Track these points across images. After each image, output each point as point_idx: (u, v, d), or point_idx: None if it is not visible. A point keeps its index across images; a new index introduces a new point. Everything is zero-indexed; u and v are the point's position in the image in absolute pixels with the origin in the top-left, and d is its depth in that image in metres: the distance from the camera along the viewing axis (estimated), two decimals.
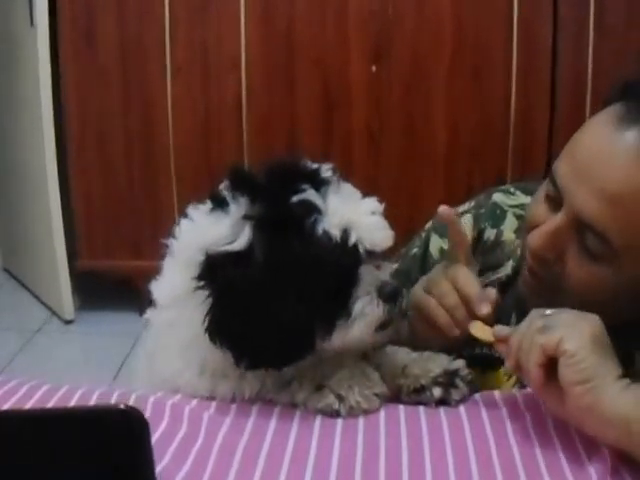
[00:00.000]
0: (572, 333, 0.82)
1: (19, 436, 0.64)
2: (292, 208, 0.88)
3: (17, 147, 3.08)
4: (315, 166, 0.93)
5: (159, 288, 0.96)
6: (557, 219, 0.95)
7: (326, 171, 0.93)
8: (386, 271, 0.94)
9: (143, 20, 2.72)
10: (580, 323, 0.83)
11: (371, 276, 0.91)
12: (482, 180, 2.72)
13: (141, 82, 2.78)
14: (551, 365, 0.82)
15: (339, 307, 0.89)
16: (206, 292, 0.87)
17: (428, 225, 1.25)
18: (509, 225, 1.18)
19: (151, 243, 2.81)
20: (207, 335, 0.88)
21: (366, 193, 0.94)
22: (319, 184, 0.90)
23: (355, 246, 0.89)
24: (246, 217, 0.88)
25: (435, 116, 2.78)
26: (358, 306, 0.89)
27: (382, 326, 0.92)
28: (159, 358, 0.97)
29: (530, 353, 0.83)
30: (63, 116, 2.80)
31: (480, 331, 0.95)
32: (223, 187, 0.92)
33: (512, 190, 1.22)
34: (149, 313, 0.97)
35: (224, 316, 0.87)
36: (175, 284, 0.93)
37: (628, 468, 0.80)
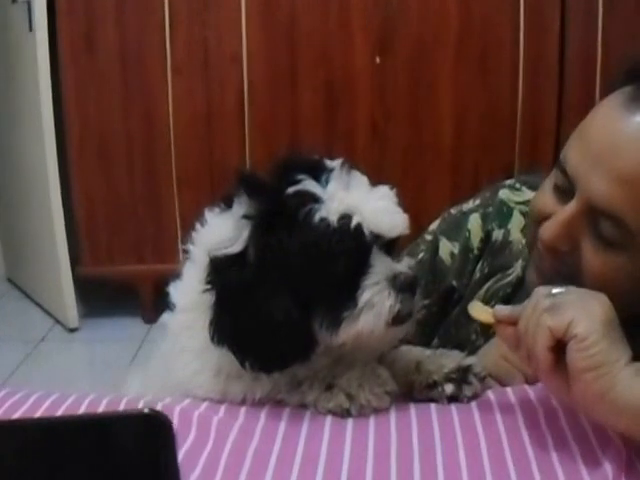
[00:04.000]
0: (583, 315, 0.78)
1: (45, 442, 0.64)
2: (286, 200, 0.86)
3: (18, 154, 3.07)
4: (318, 157, 0.91)
5: (178, 292, 0.96)
6: (569, 208, 0.93)
7: (331, 162, 0.90)
8: (404, 263, 0.91)
9: (142, 21, 2.70)
10: (590, 303, 0.80)
11: (383, 265, 0.87)
12: (489, 170, 2.71)
13: (141, 84, 2.76)
14: (558, 349, 0.79)
15: (344, 297, 0.86)
16: (212, 295, 0.87)
17: (433, 227, 1.24)
18: (516, 224, 1.17)
19: (153, 247, 2.83)
20: (210, 338, 0.88)
21: (373, 184, 0.91)
22: (320, 174, 0.88)
23: (358, 230, 0.85)
24: (245, 216, 0.87)
25: (441, 107, 2.76)
26: (365, 295, 0.86)
27: (398, 320, 0.88)
28: (176, 360, 0.96)
29: (537, 335, 0.79)
30: (64, 121, 2.79)
31: (479, 312, 0.90)
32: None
33: (518, 186, 1.21)
34: (165, 317, 0.97)
35: (224, 319, 0.87)
36: (192, 288, 0.93)
37: None
